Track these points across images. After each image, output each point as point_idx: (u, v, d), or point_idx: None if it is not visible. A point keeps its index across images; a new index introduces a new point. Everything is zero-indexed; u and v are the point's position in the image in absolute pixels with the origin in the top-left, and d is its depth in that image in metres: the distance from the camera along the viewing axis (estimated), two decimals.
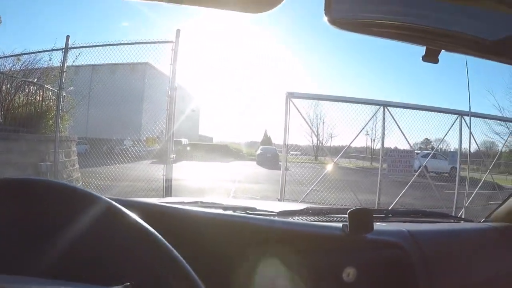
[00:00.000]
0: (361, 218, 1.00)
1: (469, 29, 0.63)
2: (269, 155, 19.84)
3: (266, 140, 30.28)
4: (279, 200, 5.36)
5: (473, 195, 6.43)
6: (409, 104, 6.17)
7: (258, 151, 21.68)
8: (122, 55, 5.53)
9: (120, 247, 0.52)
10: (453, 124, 6.16)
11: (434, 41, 0.64)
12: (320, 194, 6.16)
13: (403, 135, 6.06)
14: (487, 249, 1.30)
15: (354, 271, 0.95)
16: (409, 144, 6.30)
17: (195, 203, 1.23)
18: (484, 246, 1.30)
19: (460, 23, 0.62)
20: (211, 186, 9.26)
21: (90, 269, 0.52)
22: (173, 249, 0.53)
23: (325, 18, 0.57)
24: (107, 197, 0.57)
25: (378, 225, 1.23)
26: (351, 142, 6.79)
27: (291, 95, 5.74)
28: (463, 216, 4.07)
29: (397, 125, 5.98)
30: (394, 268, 1.04)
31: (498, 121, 7.76)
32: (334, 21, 0.58)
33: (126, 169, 5.93)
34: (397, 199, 6.10)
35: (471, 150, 6.37)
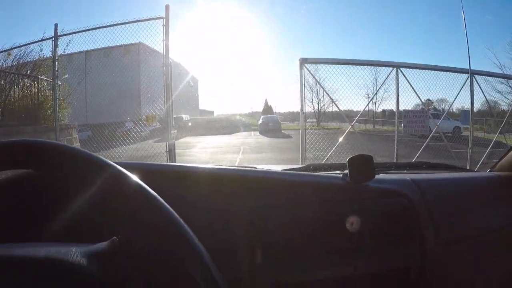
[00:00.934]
0: (362, 165, 0.96)
1: None
2: (271, 124, 19.83)
3: (267, 110, 30.20)
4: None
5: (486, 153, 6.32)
6: (419, 65, 5.97)
7: (260, 121, 21.67)
8: (114, 37, 5.42)
9: (119, 208, 0.51)
10: (465, 83, 5.96)
11: None
12: (334, 159, 6.12)
13: (418, 96, 5.93)
14: (492, 197, 1.28)
15: (358, 220, 0.92)
16: (423, 104, 6.23)
17: None
18: (489, 195, 1.28)
19: None
20: (215, 158, 9.35)
21: (89, 230, 0.52)
22: (172, 211, 0.51)
23: None
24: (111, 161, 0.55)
25: (381, 176, 1.21)
26: (366, 106, 6.76)
27: (305, 61, 5.44)
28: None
29: (411, 86, 5.80)
30: (398, 217, 1.01)
31: (500, 80, 7.42)
32: None
33: (130, 151, 5.97)
34: (414, 159, 5.95)
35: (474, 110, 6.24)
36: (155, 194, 0.51)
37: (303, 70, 5.45)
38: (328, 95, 6.24)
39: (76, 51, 5.93)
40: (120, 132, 6.04)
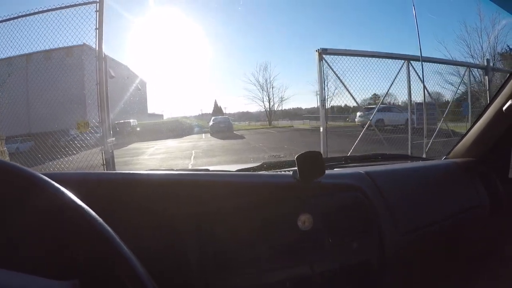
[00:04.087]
0: (311, 162, 0.93)
1: None
2: (222, 125, 19.61)
3: (217, 111, 30.02)
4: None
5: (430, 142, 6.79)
6: (432, 58, 6.14)
7: (211, 122, 21.28)
8: (42, 29, 4.72)
9: (54, 229, 0.48)
10: (400, 69, 6.09)
11: None
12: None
13: (425, 88, 6.04)
14: (448, 184, 1.31)
15: (310, 218, 0.91)
16: (431, 97, 6.24)
17: None
18: (445, 182, 1.31)
19: None
20: (166, 165, 8.98)
21: (20, 255, 0.47)
22: (108, 228, 0.49)
23: None
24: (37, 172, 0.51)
25: (336, 170, 1.22)
26: (384, 97, 6.43)
27: (324, 52, 5.06)
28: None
29: (421, 80, 5.87)
30: (353, 211, 1.00)
31: (451, 72, 7.88)
32: None
33: (70, 162, 5.38)
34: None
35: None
36: (94, 214, 0.49)
37: (322, 62, 5.05)
38: (348, 90, 5.80)
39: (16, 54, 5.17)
40: (64, 141, 5.50)
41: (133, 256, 0.49)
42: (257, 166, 1.26)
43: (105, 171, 0.94)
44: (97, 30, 4.29)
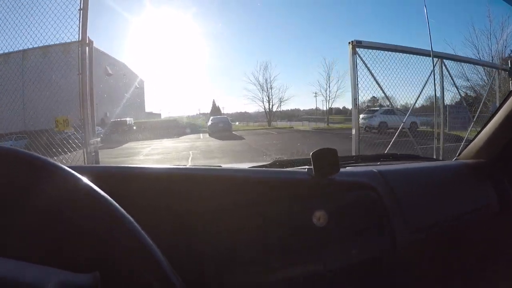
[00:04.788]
0: (326, 159, 0.95)
1: None
2: (221, 125, 19.44)
3: (216, 110, 29.81)
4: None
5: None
6: (461, 57, 5.86)
7: (209, 122, 21.07)
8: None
9: (75, 219, 0.47)
10: (434, 68, 5.61)
11: None
12: None
13: (457, 89, 5.81)
14: (458, 185, 1.31)
15: (324, 214, 0.92)
16: (464, 99, 5.93)
17: None
18: (455, 183, 1.31)
19: None
20: None
21: (44, 246, 0.47)
22: (131, 220, 0.49)
23: None
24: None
25: (348, 168, 1.22)
26: (418, 98, 5.89)
27: (358, 44, 4.57)
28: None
29: (452, 79, 5.59)
30: (365, 209, 1.02)
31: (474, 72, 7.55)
32: None
33: (65, 161, 5.18)
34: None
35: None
36: (116, 204, 0.49)
37: (355, 56, 4.57)
38: (382, 89, 5.23)
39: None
40: (59, 139, 5.25)
41: (158, 249, 0.48)
42: (269, 164, 1.25)
43: (109, 165, 0.94)
44: (81, 12, 3.82)
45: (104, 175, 0.79)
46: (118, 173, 0.84)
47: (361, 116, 12.19)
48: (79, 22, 3.74)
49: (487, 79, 6.82)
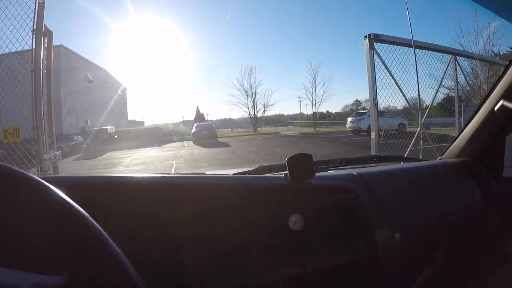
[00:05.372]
0: (301, 164, 0.96)
1: None
2: (205, 132, 19.14)
3: (200, 117, 29.51)
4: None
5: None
6: (475, 54, 5.93)
7: (193, 129, 20.73)
8: None
9: (46, 228, 0.50)
10: (448, 65, 5.44)
11: None
12: None
13: (472, 86, 5.75)
14: (442, 184, 1.32)
15: (300, 218, 0.92)
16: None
17: None
18: (439, 182, 1.32)
19: None
20: None
21: (18, 253, 0.49)
22: (101, 229, 0.51)
23: None
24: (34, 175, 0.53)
25: (329, 172, 1.24)
26: (433, 99, 5.54)
27: (376, 39, 4.22)
28: None
29: (465, 76, 5.50)
30: (345, 212, 1.02)
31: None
32: None
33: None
34: None
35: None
36: (82, 211, 0.51)
37: (372, 51, 4.22)
38: (400, 88, 4.71)
39: None
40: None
41: (122, 253, 0.50)
42: (252, 170, 1.27)
43: (97, 175, 0.93)
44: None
45: (79, 185, 0.81)
46: (94, 182, 0.84)
47: (349, 119, 12.24)
48: (35, 7, 3.04)
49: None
